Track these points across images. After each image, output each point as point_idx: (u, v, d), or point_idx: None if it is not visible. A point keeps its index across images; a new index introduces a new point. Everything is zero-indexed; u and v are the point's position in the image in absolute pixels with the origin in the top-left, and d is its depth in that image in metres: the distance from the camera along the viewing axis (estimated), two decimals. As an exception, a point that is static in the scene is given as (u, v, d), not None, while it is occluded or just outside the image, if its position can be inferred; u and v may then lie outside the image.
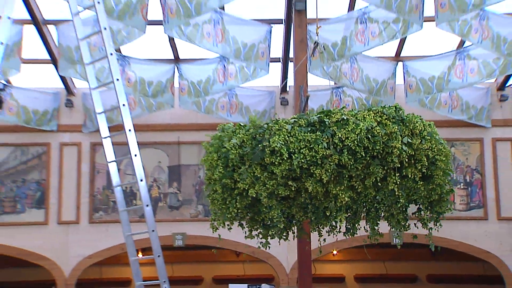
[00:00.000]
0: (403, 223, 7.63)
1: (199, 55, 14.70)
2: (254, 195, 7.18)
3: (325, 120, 7.29)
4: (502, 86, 15.63)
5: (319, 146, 7.08)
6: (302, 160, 7.06)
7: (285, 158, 7.07)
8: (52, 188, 15.48)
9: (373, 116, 7.38)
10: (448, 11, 12.01)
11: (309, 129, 7.24)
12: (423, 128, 7.48)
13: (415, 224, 7.85)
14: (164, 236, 13.67)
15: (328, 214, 7.34)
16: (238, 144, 7.31)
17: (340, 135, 7.15)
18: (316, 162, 7.08)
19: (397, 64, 14.91)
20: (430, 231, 7.81)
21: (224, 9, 13.26)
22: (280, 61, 14.77)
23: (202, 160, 7.74)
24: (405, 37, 14.10)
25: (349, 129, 7.17)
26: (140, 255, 11.83)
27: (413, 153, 7.33)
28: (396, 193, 7.31)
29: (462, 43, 14.65)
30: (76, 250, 15.27)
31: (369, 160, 7.18)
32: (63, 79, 15.00)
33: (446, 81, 14.40)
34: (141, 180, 7.77)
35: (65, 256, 15.25)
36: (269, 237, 7.88)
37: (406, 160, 7.29)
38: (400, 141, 7.23)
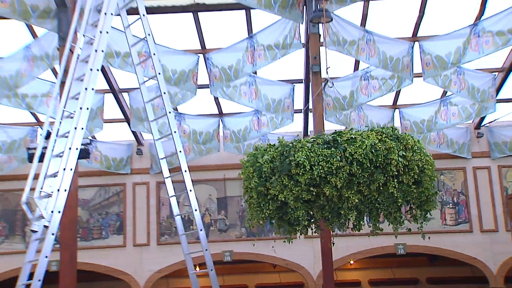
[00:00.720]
0: (398, 219, 7.50)
1: (238, 110, 14.81)
2: (283, 199, 7.14)
3: (338, 139, 7.24)
4: (478, 126, 15.56)
5: (334, 159, 7.02)
6: (321, 171, 6.99)
7: (307, 169, 7.01)
8: (128, 218, 15.56)
9: (375, 135, 7.30)
10: (432, 69, 12.08)
11: (326, 146, 7.19)
12: (414, 144, 7.39)
13: (408, 220, 7.73)
14: (215, 254, 13.49)
15: (341, 213, 7.26)
16: (269, 159, 7.29)
17: (350, 150, 7.08)
18: (332, 172, 7.02)
19: (394, 111, 14.90)
20: (422, 225, 7.68)
21: (256, 73, 13.41)
22: (302, 112, 14.84)
23: (240, 173, 7.69)
24: (400, 90, 14.09)
25: (357, 146, 7.11)
26: (197, 269, 11.69)
27: (407, 163, 7.22)
28: (395, 195, 7.21)
29: (444, 93, 14.62)
30: (148, 266, 15.28)
31: (373, 170, 7.09)
32: (134, 133, 15.23)
33: (434, 123, 14.38)
34: (196, 210, 7.86)
35: (140, 271, 15.24)
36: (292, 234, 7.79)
37: (402, 169, 7.19)
38: (396, 154, 7.15)
